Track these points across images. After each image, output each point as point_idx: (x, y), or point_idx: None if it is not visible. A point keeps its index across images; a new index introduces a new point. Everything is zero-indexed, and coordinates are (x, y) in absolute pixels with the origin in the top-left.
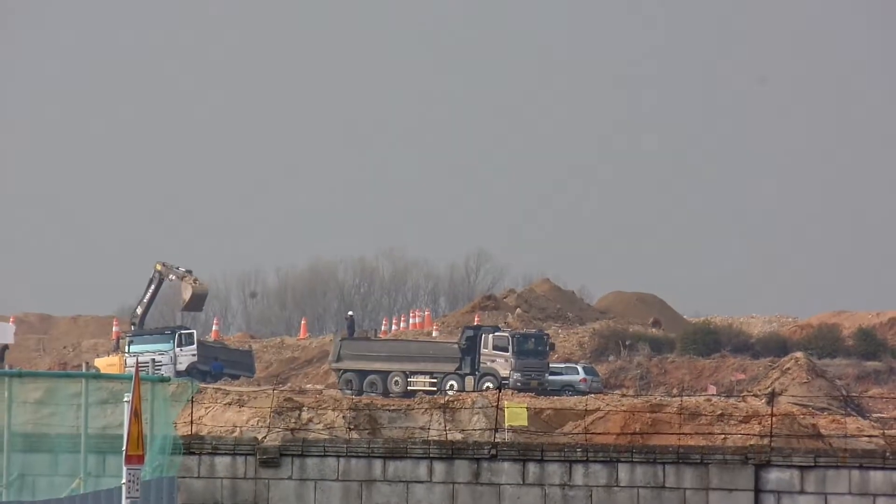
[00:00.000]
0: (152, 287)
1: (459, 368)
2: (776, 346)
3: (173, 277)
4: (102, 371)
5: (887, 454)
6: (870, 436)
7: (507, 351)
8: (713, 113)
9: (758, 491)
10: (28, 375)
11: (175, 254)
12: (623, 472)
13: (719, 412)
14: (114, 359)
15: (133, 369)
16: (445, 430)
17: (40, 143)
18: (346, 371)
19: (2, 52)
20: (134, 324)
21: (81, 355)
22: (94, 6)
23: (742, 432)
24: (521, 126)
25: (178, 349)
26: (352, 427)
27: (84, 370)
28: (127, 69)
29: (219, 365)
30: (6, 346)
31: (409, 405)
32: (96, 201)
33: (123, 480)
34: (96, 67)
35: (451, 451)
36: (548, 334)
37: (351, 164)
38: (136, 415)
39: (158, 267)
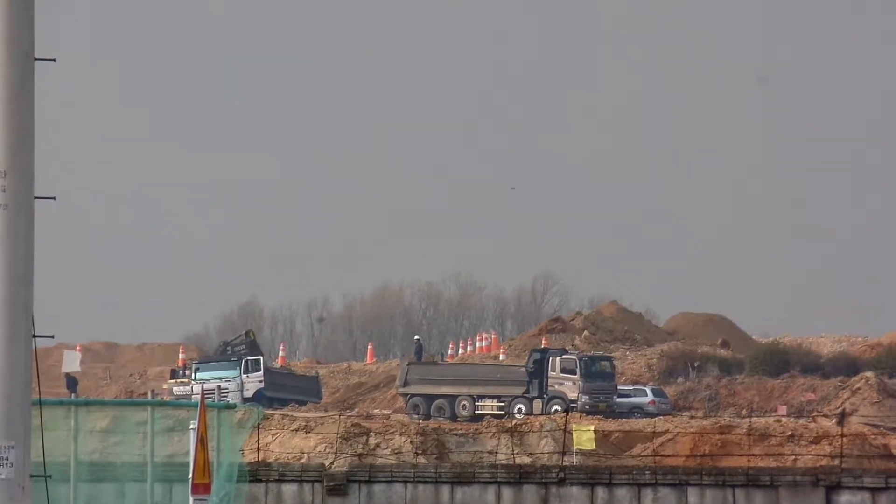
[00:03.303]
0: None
1: (527, 392)
2: (846, 366)
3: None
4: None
5: None
6: None
7: (575, 374)
8: (775, 130)
9: None
10: (94, 404)
11: (241, 281)
12: (692, 495)
13: (789, 433)
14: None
15: (199, 396)
16: (513, 454)
17: (99, 172)
18: (413, 395)
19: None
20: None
21: (148, 383)
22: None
23: (813, 453)
24: (584, 148)
25: (244, 375)
26: (419, 452)
27: (150, 398)
28: (183, 88)
29: (260, 393)
30: (76, 379)
31: (476, 429)
32: (161, 229)
33: None
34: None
35: (518, 476)
36: (613, 357)
37: (416, 189)
38: (202, 442)
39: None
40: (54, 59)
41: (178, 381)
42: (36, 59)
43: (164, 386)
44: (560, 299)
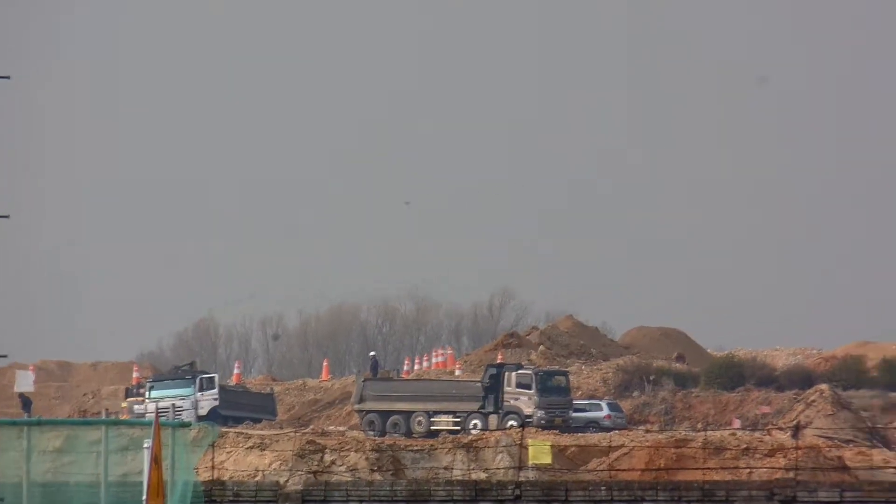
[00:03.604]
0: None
1: (483, 407)
2: (800, 379)
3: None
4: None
5: None
6: None
7: (531, 388)
8: (733, 136)
9: None
10: (47, 424)
11: (195, 298)
12: None
13: (744, 446)
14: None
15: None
16: (469, 470)
17: (46, 194)
18: (368, 412)
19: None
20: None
21: (101, 402)
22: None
23: (767, 466)
24: (543, 163)
25: (199, 394)
26: (375, 469)
27: (104, 417)
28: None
29: (215, 411)
30: (30, 399)
31: (432, 445)
32: (113, 246)
33: None
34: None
35: (474, 493)
36: (568, 371)
37: (372, 204)
38: (156, 461)
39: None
40: (8, 77)
41: (136, 399)
42: None
43: (123, 404)
44: (517, 314)
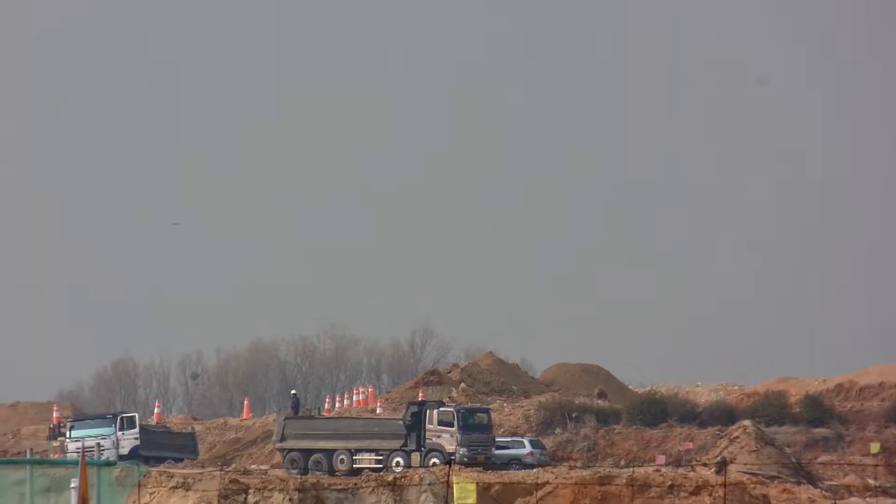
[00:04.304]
0: None
1: (405, 445)
2: (723, 415)
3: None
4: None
5: None
6: None
7: (453, 426)
8: (658, 163)
9: None
10: None
11: (113, 335)
12: None
13: (670, 483)
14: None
15: (77, 454)
16: None
17: None
18: (290, 450)
19: None
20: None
21: (21, 442)
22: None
23: (693, 503)
24: (463, 197)
25: (120, 433)
26: None
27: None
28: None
29: (136, 451)
30: None
31: (356, 484)
32: (27, 283)
33: None
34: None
35: None
36: (490, 408)
37: (290, 241)
38: (83, 501)
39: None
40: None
41: (68, 438)
42: None
43: (55, 443)
44: (437, 352)
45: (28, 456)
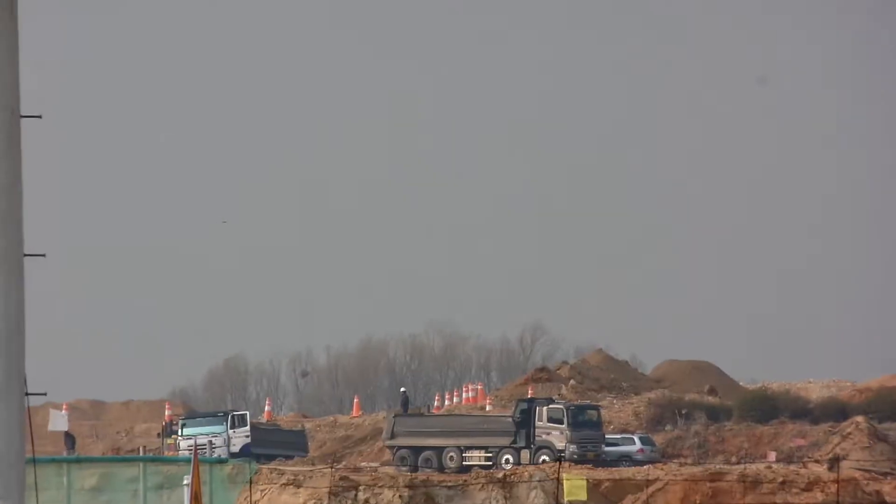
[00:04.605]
0: None
1: (514, 442)
2: (835, 411)
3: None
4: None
5: None
6: None
7: (563, 423)
8: (755, 168)
9: None
10: (85, 461)
11: (225, 336)
12: None
13: (781, 479)
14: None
15: (190, 452)
16: None
17: (73, 228)
18: (400, 448)
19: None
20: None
21: (135, 440)
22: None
23: (805, 501)
24: (569, 197)
25: (231, 431)
26: None
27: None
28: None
29: (247, 448)
30: (73, 437)
31: (465, 481)
32: (143, 285)
33: None
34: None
35: None
36: (600, 405)
37: (399, 240)
38: (196, 498)
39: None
40: (40, 116)
41: (180, 436)
42: (22, 117)
43: (170, 440)
44: (547, 349)
45: (141, 453)
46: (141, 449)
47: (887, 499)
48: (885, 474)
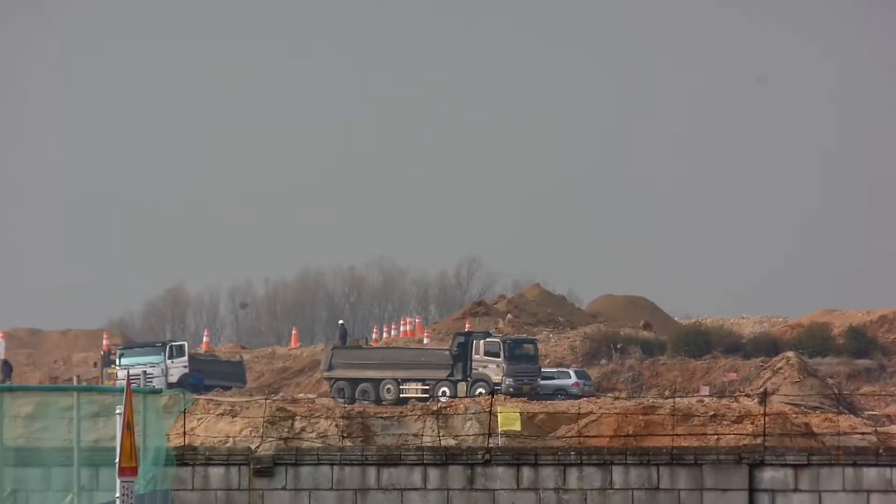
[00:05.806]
0: None
1: (451, 375)
2: (767, 346)
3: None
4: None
5: (880, 451)
6: (862, 433)
7: (499, 356)
8: (703, 115)
9: (752, 490)
10: (19, 390)
11: (165, 267)
12: (617, 474)
13: (712, 413)
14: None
15: (124, 382)
16: (439, 437)
17: (28, 159)
18: (337, 380)
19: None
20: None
21: (72, 369)
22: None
23: (735, 432)
24: (509, 133)
25: (169, 361)
26: (345, 435)
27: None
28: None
29: (199, 377)
30: (11, 365)
31: (401, 412)
32: (83, 211)
33: (118, 494)
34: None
35: (444, 458)
36: (536, 339)
37: (338, 174)
38: (128, 427)
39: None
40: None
41: (118, 366)
42: None
43: (110, 370)
44: (484, 283)
45: (75, 383)
46: (75, 378)
47: (815, 430)
48: (815, 408)
